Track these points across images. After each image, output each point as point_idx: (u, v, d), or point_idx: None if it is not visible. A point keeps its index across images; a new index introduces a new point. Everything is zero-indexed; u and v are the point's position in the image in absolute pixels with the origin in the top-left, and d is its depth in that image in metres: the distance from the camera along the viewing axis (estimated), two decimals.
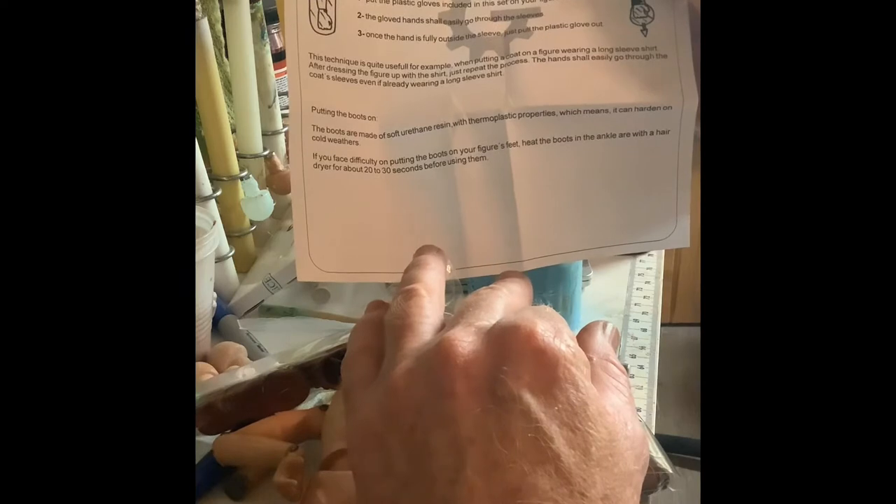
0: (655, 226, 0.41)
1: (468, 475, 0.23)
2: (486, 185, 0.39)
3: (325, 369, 0.55)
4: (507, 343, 0.25)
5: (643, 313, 0.72)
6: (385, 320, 0.29)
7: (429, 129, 0.39)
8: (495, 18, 0.39)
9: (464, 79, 0.39)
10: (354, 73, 0.38)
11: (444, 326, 0.28)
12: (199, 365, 0.61)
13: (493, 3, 0.39)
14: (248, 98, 0.77)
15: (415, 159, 0.39)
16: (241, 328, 0.69)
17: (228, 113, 0.75)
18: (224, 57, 0.79)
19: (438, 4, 0.38)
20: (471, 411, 0.24)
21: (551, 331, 0.25)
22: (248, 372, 0.54)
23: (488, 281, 0.32)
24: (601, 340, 0.29)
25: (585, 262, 0.73)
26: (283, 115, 0.85)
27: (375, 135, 0.39)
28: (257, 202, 0.75)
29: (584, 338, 0.29)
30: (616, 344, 0.30)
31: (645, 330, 0.70)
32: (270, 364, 0.55)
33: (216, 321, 0.70)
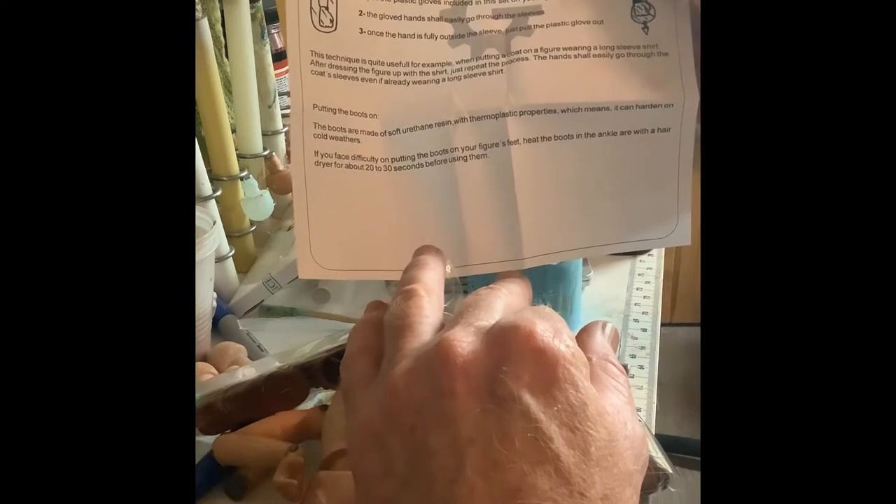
0: (656, 224, 0.41)
1: (468, 475, 0.23)
2: (487, 183, 0.39)
3: (325, 369, 0.55)
4: (506, 343, 0.25)
5: (643, 313, 0.72)
6: (384, 320, 0.29)
7: (430, 126, 0.39)
8: (496, 16, 0.39)
9: (465, 77, 0.39)
10: (356, 71, 0.38)
11: (443, 326, 0.28)
12: (199, 365, 0.61)
13: (494, 1, 0.39)
14: (248, 98, 0.77)
15: (416, 157, 0.39)
16: (241, 328, 0.69)
17: (228, 113, 0.75)
18: (224, 57, 0.79)
19: (440, 2, 0.38)
20: (470, 411, 0.24)
21: (550, 331, 0.25)
22: (248, 372, 0.54)
23: (488, 280, 0.32)
24: (600, 340, 0.29)
25: (585, 262, 0.73)
26: (284, 115, 0.85)
27: (377, 132, 0.39)
28: (257, 202, 0.75)
29: (583, 338, 0.29)
30: (615, 344, 0.30)
31: (645, 330, 0.70)
32: (270, 364, 0.55)
33: (216, 321, 0.70)
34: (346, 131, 0.38)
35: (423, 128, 0.39)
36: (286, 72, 0.98)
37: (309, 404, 0.57)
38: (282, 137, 0.85)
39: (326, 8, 0.38)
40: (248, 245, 0.79)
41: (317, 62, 0.38)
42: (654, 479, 0.44)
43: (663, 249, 0.84)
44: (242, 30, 0.75)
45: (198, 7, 0.69)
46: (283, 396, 0.55)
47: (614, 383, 0.27)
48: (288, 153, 0.85)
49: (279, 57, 0.92)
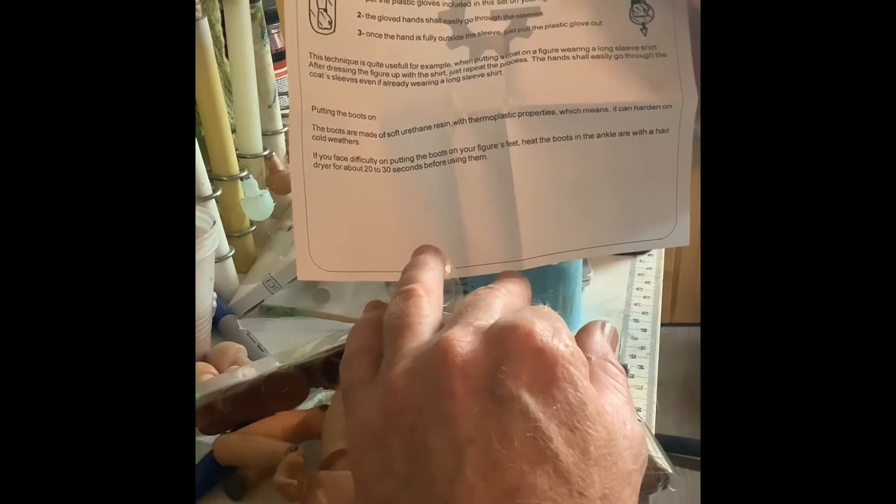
0: (655, 224, 0.41)
1: (467, 475, 0.23)
2: (486, 185, 0.39)
3: (325, 369, 0.55)
4: (505, 343, 0.25)
5: (643, 313, 0.72)
6: (384, 320, 0.29)
7: (429, 128, 0.39)
8: (495, 18, 0.39)
9: (464, 78, 0.39)
10: (354, 73, 0.38)
11: (442, 326, 0.28)
12: (199, 365, 0.61)
13: (492, 3, 0.39)
14: (248, 98, 0.77)
15: (415, 158, 0.39)
16: (241, 328, 0.69)
17: (228, 113, 0.75)
18: (224, 57, 0.79)
19: (438, 4, 0.38)
20: (470, 411, 0.24)
21: (550, 330, 0.25)
22: (248, 372, 0.54)
23: (488, 281, 0.32)
24: (599, 340, 0.29)
25: (585, 262, 0.73)
26: (284, 115, 0.85)
27: (375, 134, 0.39)
28: (257, 202, 0.75)
29: (582, 337, 0.29)
30: (614, 344, 0.30)
31: (645, 330, 0.70)
32: (270, 364, 0.55)
33: (216, 321, 0.70)
34: (344, 133, 0.38)
35: (421, 129, 0.39)
36: (286, 72, 0.98)
37: (309, 404, 0.57)
38: (282, 137, 0.85)
39: (325, 10, 0.38)
40: (248, 245, 0.79)
41: (315, 64, 0.38)
42: (654, 479, 0.44)
43: (663, 249, 0.84)
44: (242, 30, 0.75)
45: (198, 7, 0.69)
46: (283, 396, 0.55)
47: (613, 383, 0.27)
48: (288, 153, 0.85)
49: (279, 57, 0.92)
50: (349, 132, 0.38)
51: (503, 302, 0.29)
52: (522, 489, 0.23)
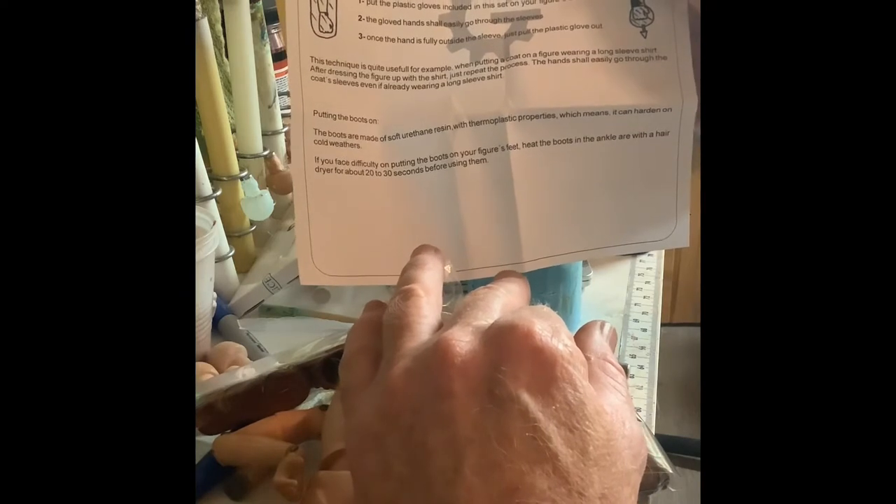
0: (655, 226, 0.41)
1: (466, 475, 0.23)
2: (487, 188, 0.39)
3: (325, 369, 0.55)
4: (504, 343, 0.25)
5: (643, 313, 0.72)
6: (383, 320, 0.29)
7: (429, 131, 0.39)
8: (495, 20, 0.39)
9: (464, 81, 0.39)
10: (355, 77, 0.38)
11: (441, 326, 0.28)
12: (199, 365, 0.61)
13: (493, 6, 0.39)
14: (248, 98, 0.77)
15: (415, 162, 0.39)
16: (241, 328, 0.69)
17: (228, 113, 0.75)
18: (224, 57, 0.79)
19: (439, 7, 0.38)
20: (469, 411, 0.24)
21: (549, 330, 0.26)
22: (248, 372, 0.54)
23: (487, 281, 0.32)
24: (599, 340, 0.29)
25: (585, 262, 0.73)
26: (284, 115, 0.85)
27: (376, 137, 0.39)
28: (257, 202, 0.75)
29: (581, 337, 0.29)
30: (614, 343, 0.30)
31: (645, 330, 0.70)
32: (270, 364, 0.55)
33: (216, 321, 0.70)
34: (346, 137, 0.38)
35: (422, 132, 0.39)
36: (286, 72, 0.98)
37: (309, 404, 0.57)
38: (282, 137, 0.85)
39: (326, 13, 0.38)
40: (248, 245, 0.79)
41: (317, 68, 0.38)
42: (654, 479, 0.44)
43: (663, 250, 0.84)
44: (242, 30, 0.75)
45: (198, 7, 0.69)
46: (283, 396, 0.55)
47: (612, 382, 0.27)
48: (288, 153, 0.85)
49: (279, 57, 0.92)
50: (350, 136, 0.38)
51: (502, 302, 0.29)
52: (521, 489, 0.23)
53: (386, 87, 0.38)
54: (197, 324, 0.63)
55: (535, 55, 0.39)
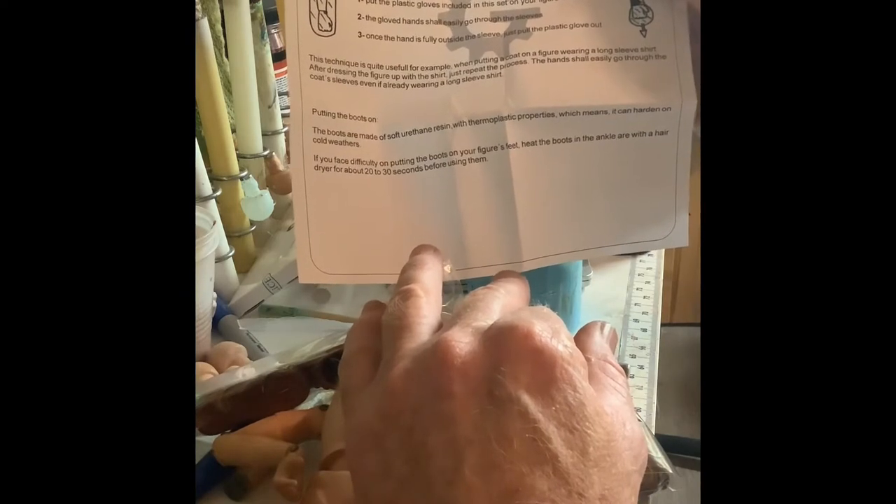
0: (654, 225, 0.41)
1: (466, 476, 0.23)
2: (486, 186, 0.39)
3: (325, 369, 0.55)
4: (504, 344, 0.25)
5: (643, 313, 0.72)
6: (382, 321, 0.29)
7: (429, 130, 0.39)
8: (495, 19, 0.39)
9: (464, 80, 0.39)
10: (355, 75, 0.38)
11: (441, 327, 0.28)
12: (199, 365, 0.61)
13: (492, 4, 0.39)
14: (248, 98, 0.77)
15: (415, 160, 0.39)
16: (241, 328, 0.69)
17: (228, 113, 0.75)
18: (224, 57, 0.79)
19: (438, 5, 0.38)
20: (468, 412, 0.24)
21: (549, 331, 0.25)
22: (248, 372, 0.54)
23: (487, 281, 0.32)
24: (599, 341, 0.29)
25: (585, 262, 0.73)
26: (284, 115, 0.85)
27: (376, 136, 0.39)
28: (257, 202, 0.75)
29: (581, 338, 0.29)
30: (614, 344, 0.30)
31: (645, 330, 0.70)
32: (270, 364, 0.55)
33: (216, 321, 0.70)
34: (345, 135, 0.38)
35: (421, 131, 0.39)
36: (286, 72, 0.98)
37: (309, 404, 0.57)
38: (282, 137, 0.85)
39: (325, 12, 0.38)
40: (248, 245, 0.79)
41: (316, 66, 0.38)
42: (654, 479, 0.44)
43: (663, 249, 0.84)
44: (242, 30, 0.75)
45: (198, 7, 0.69)
46: (283, 396, 0.55)
47: (613, 383, 0.27)
48: (288, 153, 0.85)
49: (279, 57, 0.92)
50: (350, 134, 0.38)
51: (502, 302, 0.29)
52: (521, 490, 0.23)
53: (385, 85, 0.38)
54: (197, 324, 0.63)
55: (534, 54, 0.39)
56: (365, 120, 0.38)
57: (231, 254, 0.74)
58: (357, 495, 0.27)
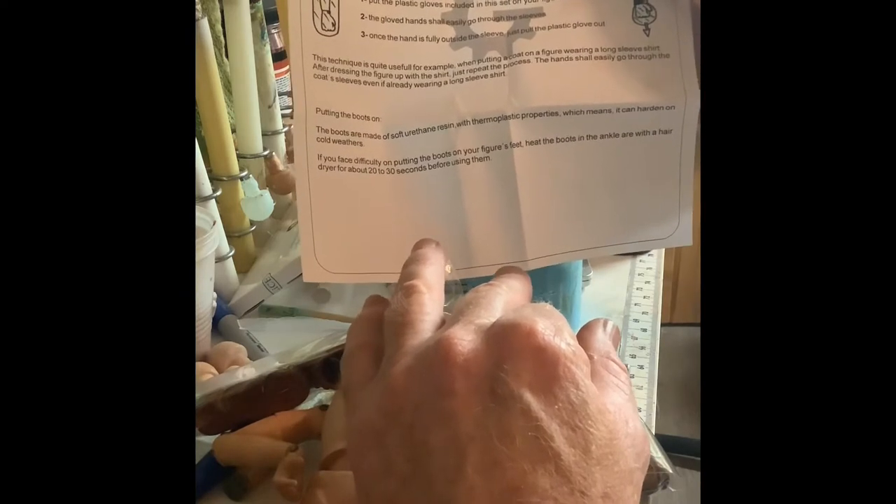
0: (658, 224, 0.41)
1: (468, 474, 0.23)
2: (490, 186, 0.39)
3: (325, 369, 0.55)
4: (506, 341, 0.25)
5: (643, 313, 0.72)
6: (385, 317, 0.29)
7: (432, 129, 0.39)
8: (498, 18, 0.39)
9: (467, 79, 0.39)
10: (358, 75, 0.38)
11: (443, 323, 0.28)
12: (199, 365, 0.61)
13: (495, 3, 0.39)
14: (248, 98, 0.77)
15: (419, 160, 0.39)
16: (241, 328, 0.69)
17: (228, 113, 0.75)
18: (224, 57, 0.79)
19: (441, 5, 0.38)
20: (471, 410, 0.24)
21: (551, 329, 0.25)
22: (248, 372, 0.54)
23: (489, 279, 0.32)
24: (602, 338, 0.29)
25: (585, 262, 0.73)
26: (283, 115, 0.85)
27: (379, 135, 0.39)
28: (257, 202, 0.75)
29: (584, 336, 0.29)
30: (617, 342, 0.30)
31: (645, 330, 0.70)
32: (270, 364, 0.55)
33: (216, 321, 0.70)
34: (348, 135, 0.38)
35: (425, 130, 0.39)
36: (286, 72, 0.98)
37: (309, 404, 0.57)
38: (282, 137, 0.85)
39: (328, 12, 0.38)
40: (248, 245, 0.79)
41: (319, 66, 0.38)
42: (654, 479, 0.44)
43: (663, 249, 0.84)
44: (242, 30, 0.75)
45: (198, 7, 0.69)
46: (283, 396, 0.55)
47: (615, 381, 0.27)
48: (288, 153, 0.85)
49: (279, 57, 0.92)
50: (353, 134, 0.38)
51: (504, 299, 0.29)
52: (523, 488, 0.23)
53: (388, 85, 0.38)
54: (197, 324, 0.63)
55: (537, 53, 0.39)
56: (368, 119, 0.38)
57: (231, 254, 0.74)
58: (358, 493, 0.27)
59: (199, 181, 0.69)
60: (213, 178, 0.73)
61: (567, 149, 0.39)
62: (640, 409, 0.60)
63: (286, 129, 0.85)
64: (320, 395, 0.58)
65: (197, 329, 0.63)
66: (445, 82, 0.39)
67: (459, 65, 0.39)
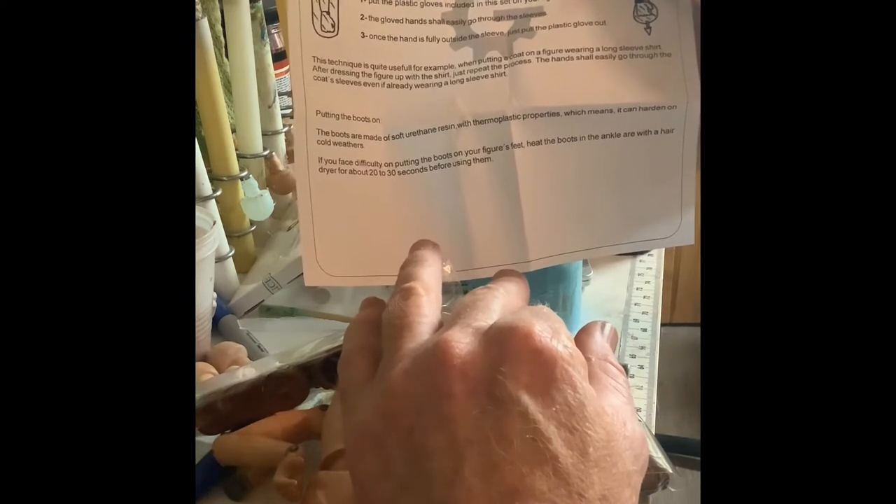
0: (660, 224, 0.41)
1: (466, 476, 0.23)
2: (492, 187, 0.39)
3: (325, 369, 0.55)
4: (504, 344, 0.25)
5: (643, 313, 0.72)
6: (383, 319, 0.29)
7: (433, 130, 0.39)
8: (498, 18, 0.39)
9: (468, 80, 0.39)
10: (358, 76, 0.38)
11: (441, 325, 0.28)
12: (199, 365, 0.61)
13: (495, 3, 0.39)
14: (248, 98, 0.77)
15: (420, 161, 0.39)
16: (241, 328, 0.69)
17: (228, 113, 0.75)
18: (224, 57, 0.79)
19: (441, 5, 0.38)
20: (468, 412, 0.24)
21: (549, 331, 0.25)
22: (248, 372, 0.54)
23: (487, 281, 0.32)
24: (599, 341, 0.29)
25: (585, 262, 0.73)
26: (283, 115, 0.85)
27: (380, 137, 0.38)
28: (257, 202, 0.75)
29: (582, 338, 0.29)
30: (614, 344, 0.30)
31: (645, 330, 0.70)
32: (270, 364, 0.55)
33: (216, 321, 0.70)
34: (349, 136, 0.38)
35: (426, 132, 0.39)
36: (286, 72, 0.98)
37: (309, 404, 0.57)
38: (282, 137, 0.85)
39: (328, 13, 0.38)
40: (248, 245, 0.79)
41: (319, 68, 0.38)
42: (654, 479, 0.44)
43: (663, 249, 0.84)
44: (242, 30, 0.75)
45: (198, 7, 0.69)
46: (283, 396, 0.55)
47: (613, 383, 0.27)
48: (288, 153, 0.85)
49: (279, 57, 0.92)
50: (354, 136, 0.38)
51: (501, 302, 0.29)
52: (521, 490, 0.23)
53: (389, 86, 0.38)
54: (197, 324, 0.63)
55: (538, 53, 0.39)
56: (369, 121, 0.38)
57: (231, 254, 0.74)
58: (357, 495, 0.27)
59: (199, 181, 0.69)
60: (213, 178, 0.73)
61: (568, 149, 0.39)
62: (639, 409, 0.60)
63: (286, 129, 0.85)
64: (320, 395, 0.58)
65: (197, 329, 0.63)
66: (446, 83, 0.39)
67: (460, 65, 0.39)
